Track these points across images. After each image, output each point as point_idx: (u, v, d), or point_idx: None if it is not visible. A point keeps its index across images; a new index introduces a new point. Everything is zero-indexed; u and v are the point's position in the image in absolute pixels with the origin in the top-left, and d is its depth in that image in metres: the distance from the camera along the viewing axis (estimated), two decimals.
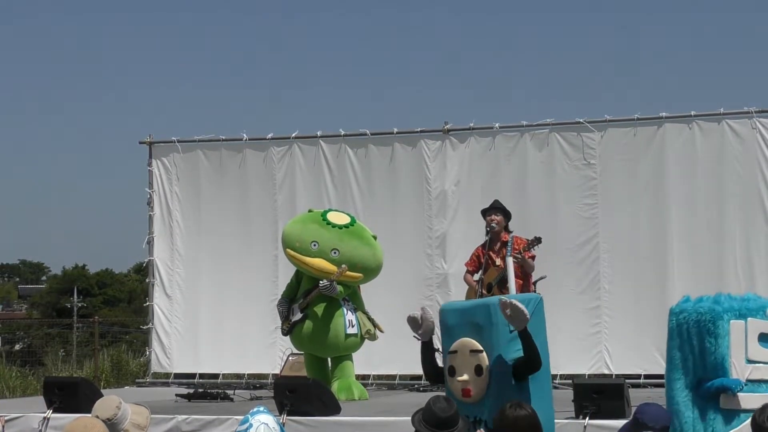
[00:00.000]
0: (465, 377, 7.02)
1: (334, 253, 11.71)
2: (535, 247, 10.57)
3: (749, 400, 7.20)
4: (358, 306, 12.09)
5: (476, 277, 11.15)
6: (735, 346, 7.27)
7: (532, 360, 6.92)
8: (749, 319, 7.24)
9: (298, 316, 11.87)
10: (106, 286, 47.29)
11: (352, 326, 11.83)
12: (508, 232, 10.70)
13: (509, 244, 10.53)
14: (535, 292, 13.07)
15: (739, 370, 7.23)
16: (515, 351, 7.05)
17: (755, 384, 7.23)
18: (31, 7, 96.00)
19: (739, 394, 7.15)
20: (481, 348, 7.03)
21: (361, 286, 12.35)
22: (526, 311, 6.77)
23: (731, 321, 7.25)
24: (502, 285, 10.47)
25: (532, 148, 14.26)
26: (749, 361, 7.28)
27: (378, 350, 13.39)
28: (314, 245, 11.78)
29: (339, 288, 11.62)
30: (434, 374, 7.56)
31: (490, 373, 6.97)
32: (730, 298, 7.38)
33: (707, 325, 7.09)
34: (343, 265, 11.52)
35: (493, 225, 10.59)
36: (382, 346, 13.12)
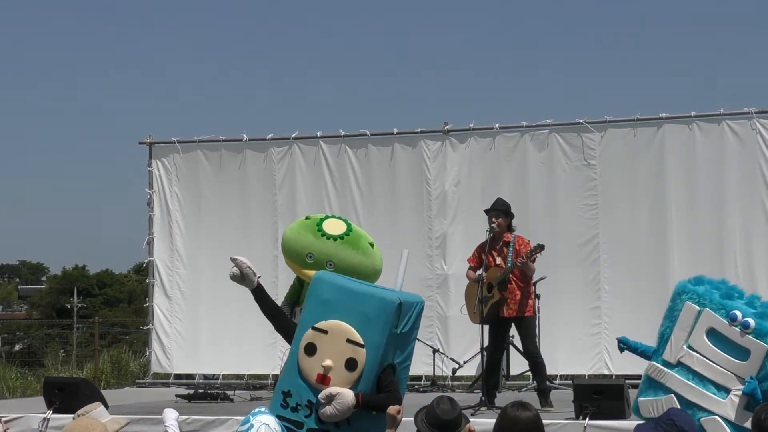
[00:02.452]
0: (329, 363, 6.39)
1: (330, 265, 11.68)
2: (538, 254, 10.57)
3: (672, 380, 7.43)
4: None
5: (478, 273, 11.12)
6: (680, 325, 7.64)
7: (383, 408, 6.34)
8: (706, 309, 7.45)
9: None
10: (106, 287, 47.31)
11: None
12: (511, 231, 10.69)
13: (512, 245, 10.52)
14: (535, 293, 13.12)
15: (674, 347, 7.49)
16: (398, 356, 6.60)
17: (685, 370, 7.45)
18: (31, 6, 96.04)
19: (666, 371, 7.59)
20: (362, 342, 6.43)
21: None
22: (345, 408, 6.25)
23: (686, 302, 7.51)
24: (502, 287, 10.45)
25: (532, 148, 14.26)
26: (689, 347, 7.46)
27: None
28: (310, 257, 11.75)
29: None
30: (274, 316, 7.10)
31: (362, 374, 6.39)
32: (710, 284, 7.62)
33: (672, 296, 7.79)
34: None
35: (494, 226, 10.57)
36: None
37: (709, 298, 7.57)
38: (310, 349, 6.50)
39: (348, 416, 6.30)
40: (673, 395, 7.57)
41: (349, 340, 6.44)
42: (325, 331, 6.54)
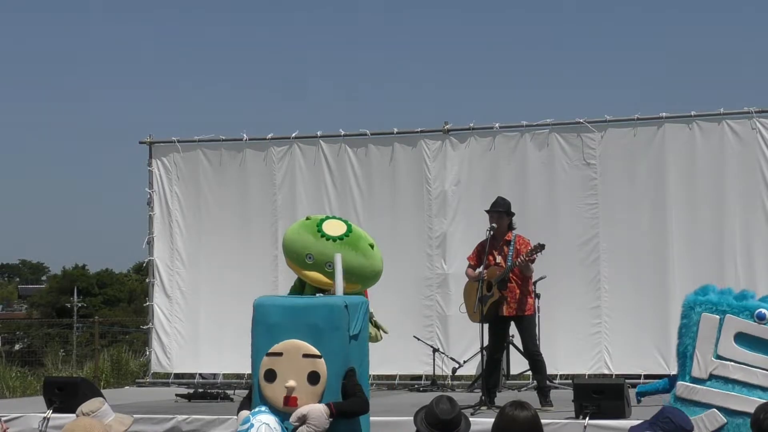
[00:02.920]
0: (292, 383, 6.35)
1: (329, 266, 11.68)
2: (538, 254, 10.57)
3: (709, 395, 7.29)
4: None
5: (478, 271, 11.12)
6: (702, 338, 7.37)
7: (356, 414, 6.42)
8: (727, 315, 7.30)
9: None
10: (106, 286, 47.30)
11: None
12: (512, 230, 10.69)
13: (512, 244, 10.51)
14: (534, 292, 13.11)
15: (702, 362, 7.33)
16: (356, 359, 6.58)
17: (722, 381, 7.30)
18: (31, 6, 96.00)
19: (698, 387, 7.29)
20: (319, 353, 6.39)
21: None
22: (321, 423, 6.21)
23: (703, 313, 7.36)
24: (502, 285, 10.45)
25: (532, 148, 14.26)
26: (718, 357, 7.34)
27: (378, 351, 13.33)
28: (309, 258, 11.76)
29: None
30: None
31: (327, 384, 6.36)
32: (719, 292, 7.45)
33: (682, 312, 7.60)
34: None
35: (494, 225, 10.57)
36: (381, 347, 13.06)
37: (726, 304, 7.39)
38: (270, 376, 6.46)
39: (326, 429, 6.27)
40: (714, 410, 7.35)
41: (305, 355, 6.40)
42: (279, 354, 6.47)
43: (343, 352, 6.48)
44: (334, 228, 12.02)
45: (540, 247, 10.44)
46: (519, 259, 10.36)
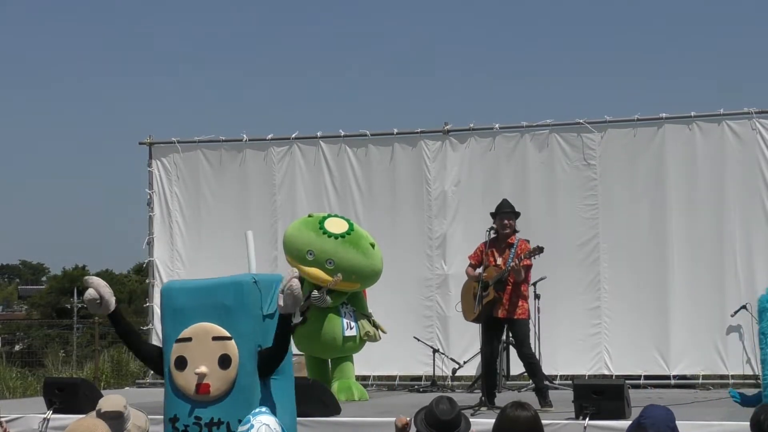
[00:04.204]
0: (203, 369, 6.05)
1: (330, 263, 11.71)
2: (536, 257, 10.55)
3: None
4: (359, 308, 12.08)
5: (478, 271, 11.12)
6: None
7: (281, 349, 6.14)
8: None
9: (298, 318, 11.87)
10: None
11: (351, 329, 11.82)
12: (515, 233, 10.69)
13: (514, 247, 10.51)
14: (535, 292, 13.10)
15: None
16: (267, 339, 6.19)
17: None
18: (31, 6, 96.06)
19: None
20: (229, 335, 6.09)
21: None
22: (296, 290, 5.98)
23: None
24: (498, 286, 10.43)
25: (532, 148, 14.26)
26: None
27: (378, 351, 13.40)
28: (310, 255, 11.81)
29: (329, 300, 11.59)
30: (133, 342, 6.48)
31: (239, 366, 6.06)
32: None
33: (759, 315, 7.99)
34: (338, 275, 11.50)
35: (507, 231, 10.54)
36: (381, 347, 13.13)
37: None
38: (180, 363, 6.14)
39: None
40: None
41: (215, 338, 6.09)
42: (189, 339, 6.15)
43: (254, 332, 6.13)
44: (336, 226, 12.10)
45: (538, 250, 10.42)
46: (513, 263, 10.34)
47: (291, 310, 6.06)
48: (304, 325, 11.77)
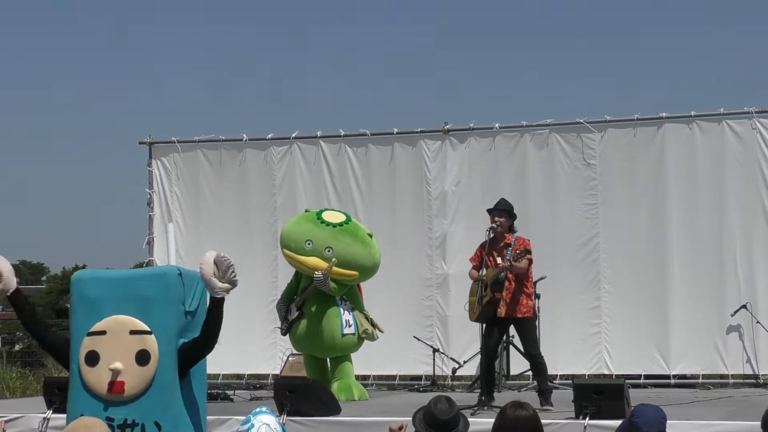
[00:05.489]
0: (118, 365, 5.59)
1: (328, 251, 11.76)
2: (524, 258, 10.51)
3: None
4: (356, 306, 12.09)
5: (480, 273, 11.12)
6: None
7: (211, 339, 5.73)
8: None
9: (294, 314, 11.90)
10: None
11: (349, 326, 11.83)
12: (513, 232, 10.67)
13: (511, 246, 10.51)
14: (535, 292, 13.11)
15: None
16: (189, 338, 5.79)
17: None
18: (30, 5, 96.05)
19: None
20: (149, 329, 5.64)
21: (362, 286, 12.35)
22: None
23: None
24: (496, 287, 10.42)
25: (532, 148, 14.26)
26: None
27: (378, 351, 13.40)
28: (308, 244, 11.86)
29: (332, 285, 11.62)
30: (36, 329, 6.01)
31: (159, 363, 5.63)
32: None
33: None
34: (333, 260, 11.55)
35: (494, 225, 10.55)
36: (381, 347, 13.13)
37: None
38: (92, 358, 5.65)
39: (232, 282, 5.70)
40: None
41: (133, 332, 5.63)
42: (102, 332, 5.68)
43: (176, 327, 5.71)
44: (333, 217, 12.19)
45: (525, 252, 10.39)
46: (507, 262, 10.33)
47: (223, 293, 5.69)
48: (303, 324, 11.78)
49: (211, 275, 5.67)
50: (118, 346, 5.62)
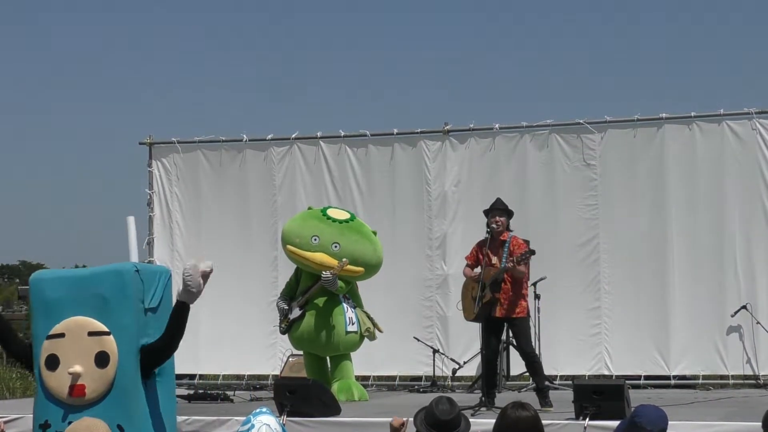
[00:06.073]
0: (78, 369, 5.49)
1: (335, 247, 11.76)
2: (528, 261, 10.52)
3: None
4: (357, 304, 12.09)
5: (476, 271, 11.13)
6: None
7: (174, 341, 5.63)
8: None
9: (296, 313, 11.88)
10: None
11: (353, 324, 11.83)
12: (508, 231, 10.68)
13: (507, 245, 10.50)
14: (535, 293, 13.11)
15: None
16: (149, 336, 5.67)
17: None
18: (30, 5, 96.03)
19: None
20: (107, 329, 5.53)
21: (359, 284, 12.35)
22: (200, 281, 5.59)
23: None
24: (494, 287, 10.42)
25: (532, 148, 14.26)
26: None
27: (378, 351, 13.40)
28: (315, 240, 11.85)
29: (340, 283, 11.62)
30: (20, 355, 5.85)
31: (119, 364, 5.51)
32: None
33: None
34: (344, 259, 11.54)
35: (494, 226, 10.55)
36: (382, 347, 13.13)
37: None
38: (52, 362, 5.55)
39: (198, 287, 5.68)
40: None
41: (91, 333, 5.52)
42: (61, 335, 5.57)
43: (135, 326, 5.59)
44: (338, 213, 12.22)
45: (530, 252, 10.41)
46: (508, 265, 10.34)
47: (193, 299, 5.66)
48: (306, 321, 11.76)
49: (199, 279, 5.72)
50: (77, 348, 5.51)
